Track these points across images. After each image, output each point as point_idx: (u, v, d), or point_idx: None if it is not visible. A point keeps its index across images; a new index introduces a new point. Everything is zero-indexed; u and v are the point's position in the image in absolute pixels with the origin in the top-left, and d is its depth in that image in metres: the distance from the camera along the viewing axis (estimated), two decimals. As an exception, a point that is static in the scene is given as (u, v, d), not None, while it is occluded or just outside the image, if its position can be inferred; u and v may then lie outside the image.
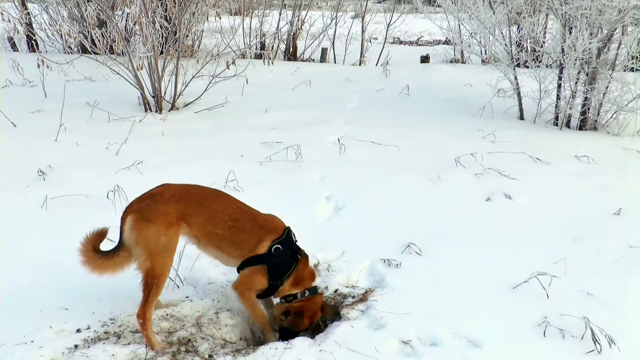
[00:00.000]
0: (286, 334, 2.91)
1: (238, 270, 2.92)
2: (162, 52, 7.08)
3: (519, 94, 7.31)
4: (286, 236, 2.87)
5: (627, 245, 3.74)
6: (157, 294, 2.73)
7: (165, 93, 7.15)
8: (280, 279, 2.86)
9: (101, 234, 2.78)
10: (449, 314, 2.95)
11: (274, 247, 2.81)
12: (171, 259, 2.78)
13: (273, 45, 11.72)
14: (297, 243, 2.95)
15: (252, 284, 2.88)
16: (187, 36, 9.00)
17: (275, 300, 3.05)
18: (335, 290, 3.24)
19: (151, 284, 2.68)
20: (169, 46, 7.18)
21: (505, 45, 7.45)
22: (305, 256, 2.95)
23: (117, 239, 2.78)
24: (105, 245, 2.81)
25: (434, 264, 3.49)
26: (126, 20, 9.01)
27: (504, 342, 2.74)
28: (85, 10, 6.89)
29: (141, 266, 2.71)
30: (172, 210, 2.73)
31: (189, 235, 2.85)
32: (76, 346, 2.67)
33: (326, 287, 3.28)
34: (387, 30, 12.28)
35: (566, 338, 2.78)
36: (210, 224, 2.83)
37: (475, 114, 7.30)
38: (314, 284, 2.97)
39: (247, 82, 7.59)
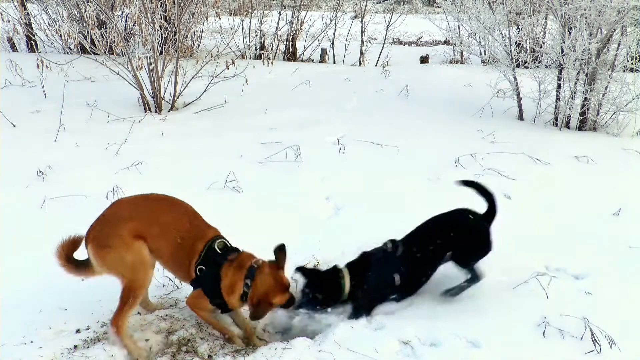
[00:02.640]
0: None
1: None
2: (161, 53, 7.07)
3: (518, 95, 7.31)
4: (205, 254, 2.73)
5: (627, 246, 3.74)
6: (133, 306, 2.70)
7: (164, 93, 7.15)
8: (219, 296, 2.75)
9: (75, 242, 2.76)
10: (448, 314, 2.95)
11: (197, 269, 2.73)
12: (146, 270, 2.73)
13: (272, 46, 11.70)
14: (229, 245, 2.81)
15: (200, 305, 2.82)
16: (187, 36, 8.97)
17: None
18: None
19: (128, 296, 2.67)
20: (169, 46, 7.17)
21: (505, 45, 7.45)
22: (230, 260, 2.76)
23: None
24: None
25: (434, 264, 3.48)
26: (125, 21, 9.00)
27: (503, 343, 2.75)
28: (85, 10, 6.87)
29: (120, 282, 2.71)
30: (125, 233, 2.67)
31: (149, 249, 2.76)
32: (75, 346, 2.67)
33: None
34: (386, 31, 12.26)
35: (566, 338, 2.78)
36: (162, 239, 2.74)
37: (474, 114, 7.30)
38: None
39: (246, 82, 7.60)
